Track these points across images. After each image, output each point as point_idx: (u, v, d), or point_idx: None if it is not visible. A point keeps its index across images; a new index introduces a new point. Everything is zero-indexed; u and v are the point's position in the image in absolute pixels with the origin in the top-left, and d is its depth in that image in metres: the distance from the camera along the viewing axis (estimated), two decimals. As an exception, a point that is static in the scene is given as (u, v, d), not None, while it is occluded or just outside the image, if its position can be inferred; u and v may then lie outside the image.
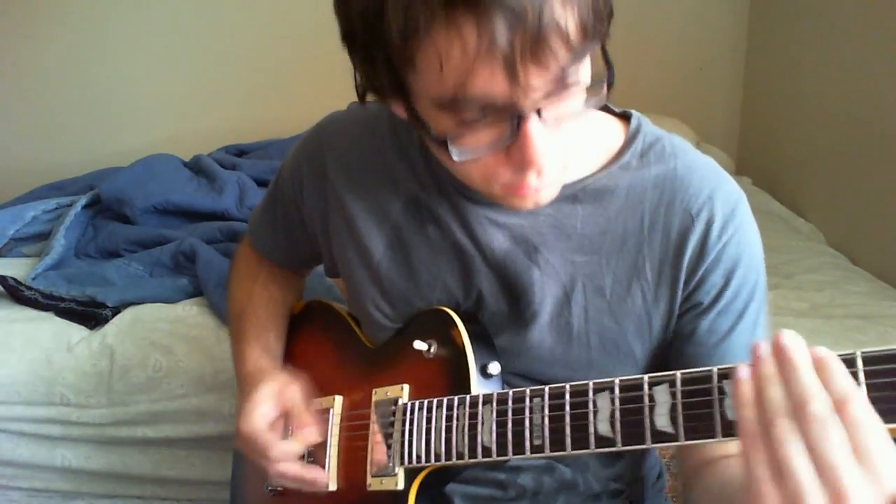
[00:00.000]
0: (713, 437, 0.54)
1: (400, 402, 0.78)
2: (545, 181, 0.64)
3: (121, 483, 1.61)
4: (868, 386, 0.48)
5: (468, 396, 0.71)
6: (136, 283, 1.71)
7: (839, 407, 0.46)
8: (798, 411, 0.47)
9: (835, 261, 1.96)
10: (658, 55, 2.66)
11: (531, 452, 0.65)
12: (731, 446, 0.70)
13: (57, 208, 2.03)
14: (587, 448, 0.61)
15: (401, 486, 0.75)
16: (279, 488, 0.89)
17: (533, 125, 0.58)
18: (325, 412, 0.86)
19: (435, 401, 0.74)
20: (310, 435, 0.82)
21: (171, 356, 1.52)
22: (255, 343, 0.93)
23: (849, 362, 0.49)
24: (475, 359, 0.74)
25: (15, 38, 2.60)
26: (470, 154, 0.61)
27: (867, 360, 0.49)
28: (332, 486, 0.83)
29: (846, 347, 0.49)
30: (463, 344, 0.75)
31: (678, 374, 0.57)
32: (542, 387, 0.65)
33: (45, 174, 2.40)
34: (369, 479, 0.78)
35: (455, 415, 0.71)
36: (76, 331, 1.58)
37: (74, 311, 1.61)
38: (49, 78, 2.65)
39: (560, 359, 0.77)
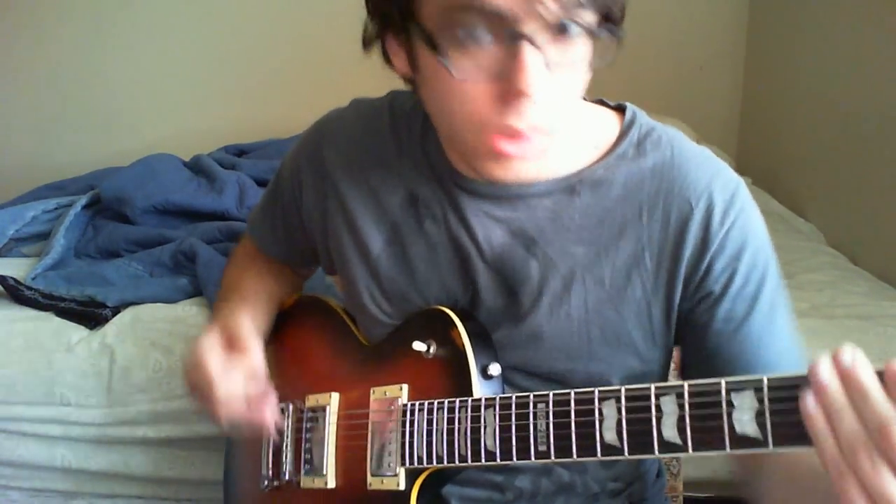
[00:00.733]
0: (722, 449, 0.54)
1: (399, 402, 0.78)
2: (533, 140, 0.64)
3: (121, 483, 1.60)
4: None
5: (470, 399, 0.71)
6: (136, 283, 1.71)
7: None
8: (880, 439, 0.45)
9: (835, 261, 1.96)
10: (658, 55, 2.66)
11: (536, 458, 0.65)
12: None
13: (57, 208, 2.03)
14: (594, 455, 0.61)
15: (402, 486, 0.75)
16: (276, 482, 0.89)
17: (530, 53, 0.59)
18: (323, 409, 0.86)
19: (436, 402, 0.74)
20: (255, 358, 0.82)
21: (171, 356, 1.52)
22: (230, 317, 0.90)
23: None
24: (476, 360, 0.74)
25: (15, 38, 2.60)
26: (466, 74, 0.61)
27: None
28: (331, 483, 0.83)
29: (847, 348, 0.49)
30: (463, 345, 0.75)
31: (686, 384, 0.57)
32: (547, 392, 0.65)
33: (45, 174, 2.40)
34: (369, 478, 0.78)
35: (457, 417, 0.71)
36: (76, 331, 1.58)
37: (74, 311, 1.61)
38: (49, 78, 2.65)
39: (560, 350, 0.77)
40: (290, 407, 0.90)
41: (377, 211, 0.83)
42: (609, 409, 0.61)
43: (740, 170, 2.72)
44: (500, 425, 0.67)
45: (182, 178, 2.07)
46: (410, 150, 0.82)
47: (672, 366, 0.84)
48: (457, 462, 0.71)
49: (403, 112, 0.84)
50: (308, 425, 0.88)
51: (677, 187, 0.74)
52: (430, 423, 0.73)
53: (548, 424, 0.64)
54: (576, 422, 0.63)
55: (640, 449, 0.59)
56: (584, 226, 0.75)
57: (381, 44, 0.71)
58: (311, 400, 0.88)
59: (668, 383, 0.58)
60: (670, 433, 0.57)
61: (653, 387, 0.59)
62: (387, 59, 0.72)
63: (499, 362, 0.76)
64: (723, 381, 0.54)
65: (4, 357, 1.54)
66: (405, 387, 0.78)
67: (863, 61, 2.01)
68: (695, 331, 0.76)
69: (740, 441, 0.53)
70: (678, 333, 0.78)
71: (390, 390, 0.79)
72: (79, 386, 1.52)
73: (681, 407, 0.56)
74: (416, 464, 0.74)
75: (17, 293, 1.64)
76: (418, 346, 0.77)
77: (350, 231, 0.84)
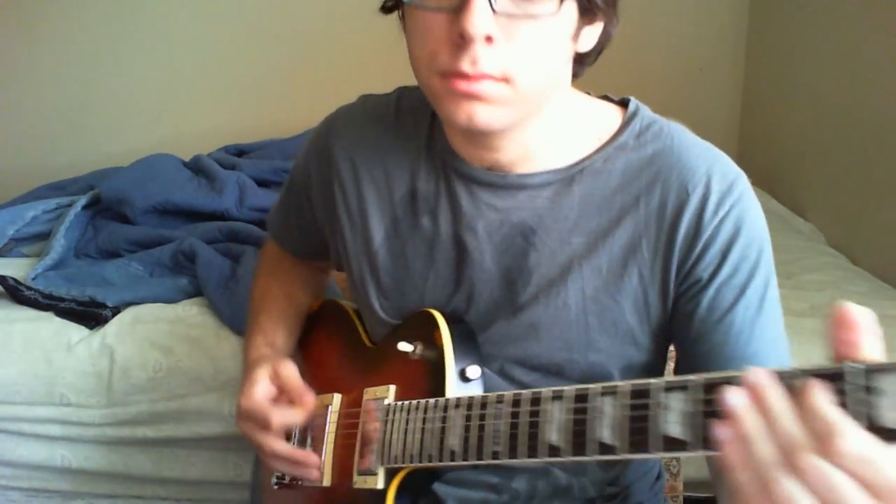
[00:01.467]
0: (648, 452, 0.52)
1: (385, 402, 0.79)
2: (482, 83, 0.64)
3: (121, 483, 1.61)
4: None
5: (442, 399, 0.71)
6: (136, 283, 1.71)
7: (826, 444, 0.42)
8: (791, 464, 0.43)
9: (835, 261, 1.96)
10: (659, 56, 2.66)
11: (490, 458, 0.64)
12: None
13: (57, 208, 2.03)
14: (537, 456, 0.60)
15: (380, 485, 0.76)
16: (285, 480, 0.90)
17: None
18: (325, 409, 0.87)
19: (414, 402, 0.74)
20: (308, 404, 0.83)
21: (171, 356, 1.52)
22: (263, 337, 0.95)
23: (835, 376, 0.44)
24: (455, 362, 0.75)
25: (15, 38, 2.60)
26: (418, 2, 0.65)
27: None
28: (326, 481, 0.84)
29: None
30: (444, 347, 0.76)
31: (628, 384, 0.55)
32: (505, 392, 0.65)
33: (45, 174, 2.40)
34: (355, 477, 0.79)
35: (428, 417, 0.72)
36: (76, 331, 1.58)
37: (74, 311, 1.61)
38: (49, 78, 2.65)
39: (558, 340, 0.77)
40: None
41: (380, 204, 0.84)
42: (556, 409, 0.60)
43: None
44: (463, 424, 0.68)
45: (182, 179, 2.07)
46: (416, 145, 0.82)
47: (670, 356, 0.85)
48: (424, 461, 0.71)
49: (411, 108, 0.85)
50: (314, 425, 0.89)
51: (675, 174, 0.74)
52: (407, 422, 0.74)
53: (503, 424, 0.64)
54: (528, 422, 0.62)
55: (579, 450, 0.57)
56: (582, 216, 0.76)
57: (399, 14, 0.74)
58: (318, 401, 0.89)
59: (609, 383, 0.56)
60: (606, 434, 0.55)
61: (600, 386, 0.57)
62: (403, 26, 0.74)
63: (480, 365, 0.76)
64: (662, 381, 0.53)
65: (4, 357, 1.54)
66: (392, 387, 0.79)
67: (862, 62, 2.01)
68: (681, 318, 0.76)
69: (670, 444, 0.51)
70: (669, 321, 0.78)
71: (380, 391, 0.81)
72: (79, 386, 1.52)
73: (615, 408, 0.55)
74: (392, 463, 0.75)
75: (17, 293, 1.64)
76: (403, 346, 0.78)
77: (353, 224, 0.85)
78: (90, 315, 1.60)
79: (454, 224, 0.79)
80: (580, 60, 0.74)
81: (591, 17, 0.68)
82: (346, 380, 0.89)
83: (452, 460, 0.68)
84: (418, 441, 0.72)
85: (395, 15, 0.74)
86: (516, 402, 0.63)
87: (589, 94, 0.81)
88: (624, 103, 0.80)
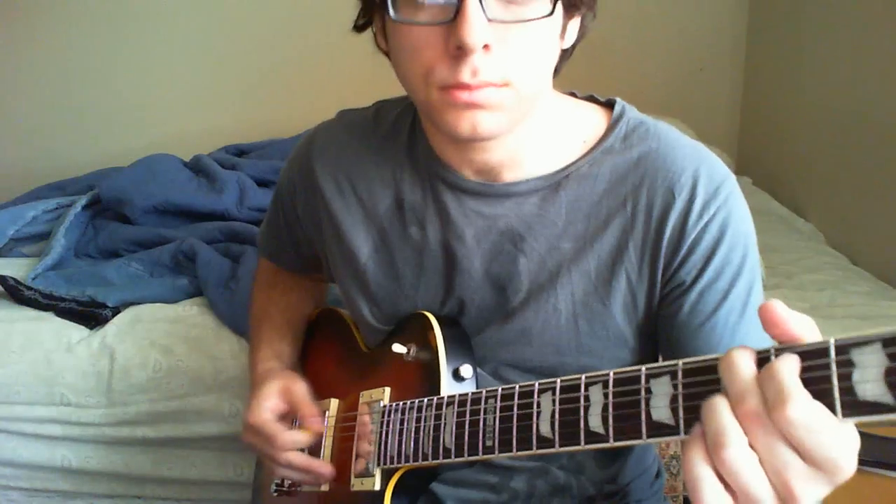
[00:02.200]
0: (637, 437, 0.53)
1: (381, 403, 0.79)
2: (484, 91, 0.64)
3: (121, 483, 1.61)
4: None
5: (436, 398, 0.72)
6: (136, 283, 1.71)
7: (776, 409, 0.43)
8: (743, 428, 0.45)
9: (835, 261, 1.96)
10: (658, 56, 2.66)
11: (483, 454, 0.65)
12: None
13: (57, 208, 2.03)
14: (530, 449, 0.60)
15: (377, 486, 0.76)
16: (284, 487, 0.90)
17: (472, 5, 0.61)
18: (323, 414, 0.88)
19: (409, 403, 0.75)
20: (314, 425, 0.84)
21: (171, 356, 1.52)
22: (268, 349, 0.96)
23: (812, 353, 0.44)
24: (447, 362, 0.75)
25: (15, 38, 2.60)
26: (407, 17, 0.64)
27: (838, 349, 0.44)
28: (325, 485, 0.85)
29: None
30: (437, 347, 0.76)
31: (611, 373, 0.55)
32: (497, 388, 0.65)
33: (45, 174, 2.40)
34: (353, 480, 0.80)
35: (423, 416, 0.72)
36: (76, 331, 1.58)
37: (74, 311, 1.61)
38: (49, 78, 2.65)
39: (549, 345, 0.77)
40: None
41: (365, 219, 0.84)
42: (545, 401, 0.60)
43: (740, 170, 2.73)
44: (456, 421, 0.68)
45: (182, 178, 2.07)
46: (397, 156, 0.83)
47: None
48: (420, 460, 0.71)
49: (389, 119, 0.85)
50: None
51: (661, 177, 0.74)
52: (402, 423, 0.74)
53: (494, 419, 0.64)
54: (517, 415, 0.62)
55: (569, 440, 0.58)
56: (570, 221, 0.76)
57: (373, 28, 0.74)
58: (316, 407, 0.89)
59: (597, 373, 0.57)
60: (595, 422, 0.56)
61: (584, 377, 0.57)
62: (377, 42, 0.74)
63: (472, 365, 0.76)
64: (643, 369, 0.53)
65: (4, 357, 1.54)
66: (387, 389, 0.80)
67: (862, 62, 2.01)
68: (663, 321, 0.76)
69: (657, 429, 0.51)
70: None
71: (375, 393, 0.81)
72: (79, 386, 1.52)
73: (605, 396, 0.55)
74: (389, 463, 0.75)
75: (17, 293, 1.65)
76: (397, 348, 0.79)
77: (339, 240, 0.86)
78: (90, 315, 1.60)
79: (443, 232, 0.79)
80: (562, 56, 0.74)
81: (574, 12, 0.69)
82: (342, 385, 0.89)
83: (447, 458, 0.68)
84: (413, 440, 0.72)
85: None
86: (507, 397, 0.63)
87: (575, 94, 0.81)
88: (610, 104, 0.80)
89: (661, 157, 0.74)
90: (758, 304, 0.73)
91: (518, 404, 0.62)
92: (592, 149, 0.76)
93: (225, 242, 1.81)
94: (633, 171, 0.75)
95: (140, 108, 2.70)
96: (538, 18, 0.63)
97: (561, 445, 0.58)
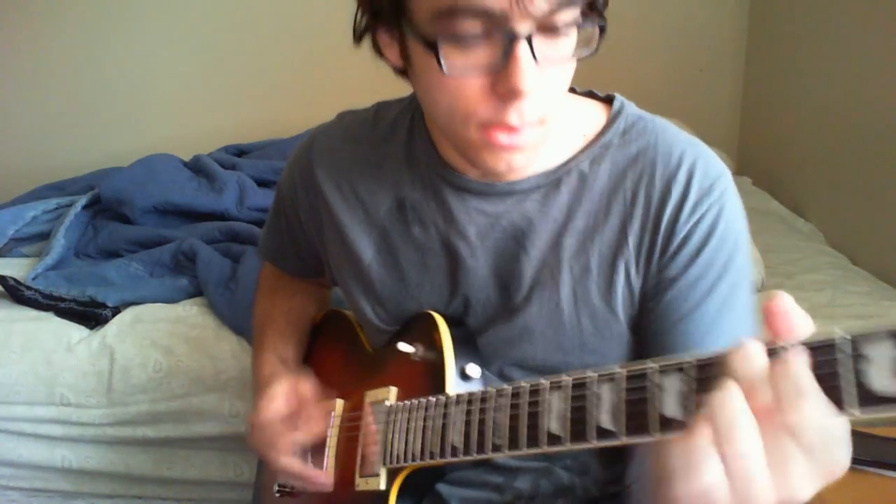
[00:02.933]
0: (647, 433, 0.52)
1: (387, 403, 0.79)
2: (527, 132, 0.64)
3: (121, 483, 1.61)
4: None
5: (443, 397, 0.71)
6: (136, 283, 1.71)
7: (787, 405, 0.44)
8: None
9: (835, 261, 1.96)
10: (659, 56, 2.66)
11: (492, 452, 0.64)
12: None
13: (57, 208, 2.03)
14: (537, 447, 0.60)
15: (382, 486, 0.76)
16: (287, 488, 0.90)
17: (523, 50, 0.60)
18: (328, 414, 0.87)
19: (415, 402, 0.74)
20: (315, 427, 0.84)
21: (171, 356, 1.52)
22: (273, 352, 0.96)
23: (824, 347, 0.44)
24: (454, 361, 0.75)
25: (15, 38, 2.60)
26: (458, 71, 0.62)
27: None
28: (330, 487, 0.84)
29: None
30: (443, 346, 0.76)
31: (623, 370, 0.54)
32: (506, 386, 0.65)
33: (45, 174, 2.41)
34: (357, 479, 0.80)
35: (429, 415, 0.72)
36: (76, 331, 1.58)
37: (74, 311, 1.61)
38: (49, 78, 2.65)
39: (552, 343, 0.77)
40: None
41: (366, 220, 0.84)
42: (555, 398, 0.59)
43: (741, 170, 2.73)
44: (464, 420, 0.67)
45: (182, 178, 2.07)
46: (396, 156, 0.83)
47: None
48: (427, 459, 0.71)
49: (389, 120, 0.85)
50: None
51: (659, 172, 0.74)
52: (408, 421, 0.74)
53: (504, 417, 0.64)
54: (525, 413, 0.61)
55: (579, 437, 0.56)
56: (570, 217, 0.76)
57: (371, 36, 0.72)
58: (321, 407, 0.89)
59: (608, 370, 0.55)
60: (605, 420, 0.55)
61: (595, 374, 0.56)
62: (378, 51, 0.72)
63: (480, 364, 0.76)
64: (653, 364, 0.52)
65: (4, 357, 1.54)
66: (393, 389, 0.79)
67: (862, 62, 2.01)
68: (645, 313, 0.75)
69: (667, 424, 0.50)
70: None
71: (381, 393, 0.81)
72: (79, 386, 1.52)
73: (616, 392, 0.54)
74: (394, 463, 0.75)
75: (17, 293, 1.65)
76: (403, 347, 0.79)
77: (342, 242, 0.86)
78: (90, 315, 1.60)
79: (446, 231, 0.79)
80: None
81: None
82: (348, 385, 0.89)
83: (454, 456, 0.68)
84: (420, 439, 0.72)
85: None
86: (516, 395, 0.63)
87: (574, 90, 0.81)
88: (609, 100, 0.80)
89: (659, 153, 0.75)
90: (744, 304, 0.74)
91: (527, 402, 0.62)
92: (591, 143, 0.77)
93: (225, 242, 1.81)
94: (632, 167, 0.75)
95: (140, 109, 2.70)
96: (577, 53, 0.64)
97: (572, 443, 0.57)
